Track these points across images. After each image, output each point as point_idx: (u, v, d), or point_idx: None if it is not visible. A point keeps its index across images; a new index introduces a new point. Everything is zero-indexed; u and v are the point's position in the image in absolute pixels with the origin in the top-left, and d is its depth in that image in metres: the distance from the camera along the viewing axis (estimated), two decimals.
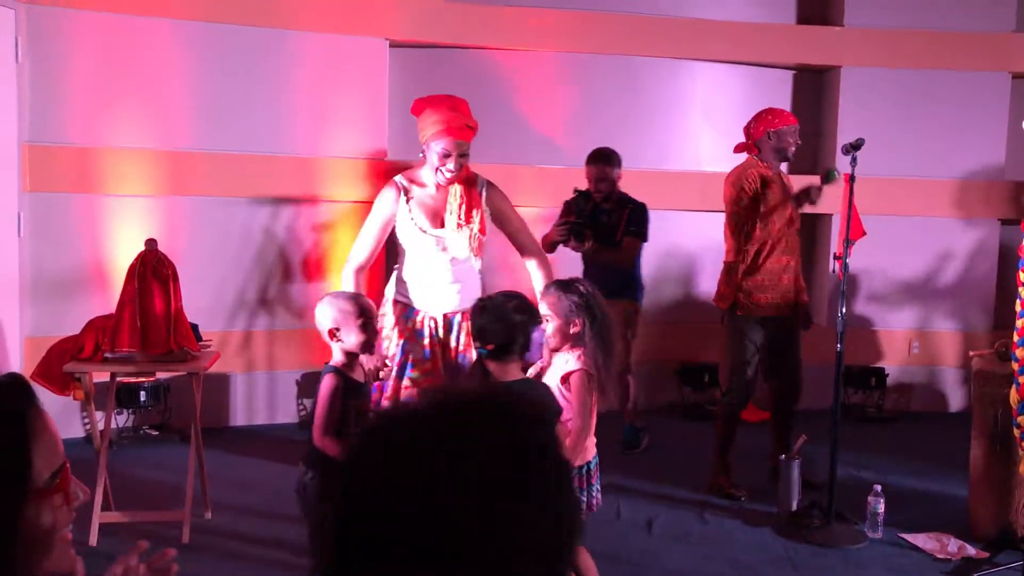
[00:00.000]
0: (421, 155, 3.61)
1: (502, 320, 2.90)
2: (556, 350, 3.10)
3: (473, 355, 3.36)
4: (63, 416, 5.03)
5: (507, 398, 0.97)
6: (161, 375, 4.87)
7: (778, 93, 6.39)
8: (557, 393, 3.05)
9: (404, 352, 3.57)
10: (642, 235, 5.19)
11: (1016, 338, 3.38)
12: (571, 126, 6.11)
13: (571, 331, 3.05)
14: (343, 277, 3.68)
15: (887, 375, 6.40)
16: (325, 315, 3.04)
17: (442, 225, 3.57)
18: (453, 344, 3.59)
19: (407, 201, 3.60)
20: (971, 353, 4.49)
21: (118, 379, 4.22)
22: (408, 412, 0.97)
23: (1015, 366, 3.39)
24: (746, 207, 4.50)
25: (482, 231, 3.59)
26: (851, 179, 4.13)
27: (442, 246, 3.58)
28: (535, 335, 2.96)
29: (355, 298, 3.13)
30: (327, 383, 2.98)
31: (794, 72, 6.56)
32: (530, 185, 5.78)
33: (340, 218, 5.79)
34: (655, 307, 6.23)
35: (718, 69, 6.37)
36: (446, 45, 5.96)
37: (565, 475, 0.97)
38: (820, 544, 4.04)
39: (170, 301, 3.85)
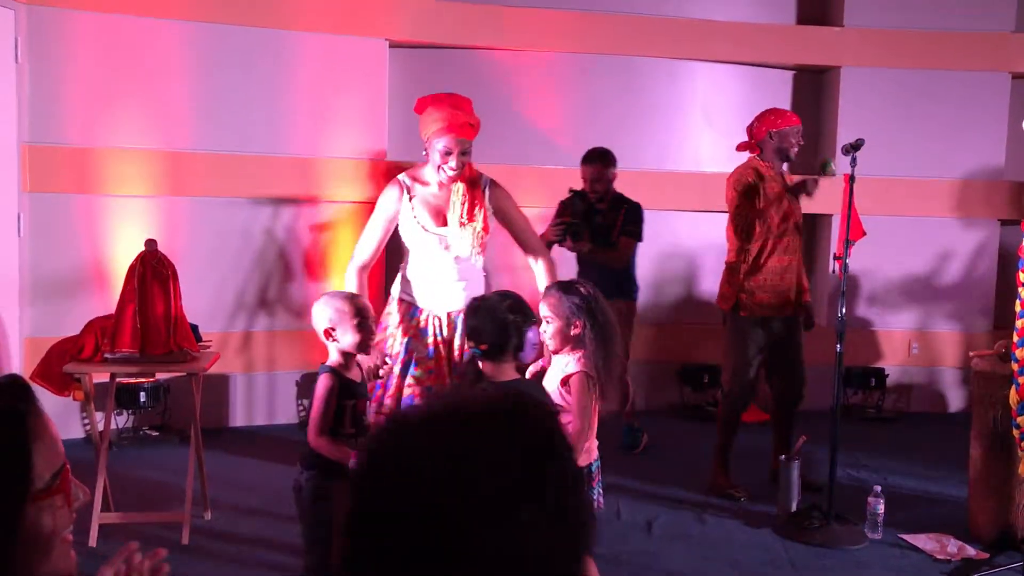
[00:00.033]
0: (424, 153, 3.60)
1: (496, 320, 2.89)
2: (557, 352, 3.08)
3: None
4: (63, 417, 5.03)
5: (518, 400, 0.97)
6: (161, 376, 4.88)
7: (778, 93, 6.39)
8: (557, 395, 3.04)
9: (408, 350, 3.56)
10: (637, 235, 5.19)
11: (1016, 338, 3.38)
12: (571, 126, 6.11)
13: (572, 333, 3.03)
14: (346, 275, 3.68)
15: (887, 376, 6.40)
16: (321, 315, 3.04)
17: (445, 223, 3.57)
18: (457, 343, 3.58)
19: (410, 200, 3.59)
20: (971, 354, 4.49)
21: (118, 380, 4.23)
22: (421, 416, 0.97)
23: (1015, 366, 3.39)
24: (744, 201, 4.47)
25: (485, 229, 3.57)
26: (851, 179, 4.13)
27: (445, 244, 3.57)
28: (529, 335, 2.94)
29: (351, 298, 3.12)
30: (322, 383, 2.99)
31: (794, 72, 6.56)
32: (530, 185, 5.76)
33: (340, 218, 5.79)
34: (655, 307, 6.24)
35: (718, 69, 6.37)
36: (446, 45, 5.96)
37: (578, 476, 0.97)
38: (820, 545, 4.04)
39: (170, 302, 3.84)
